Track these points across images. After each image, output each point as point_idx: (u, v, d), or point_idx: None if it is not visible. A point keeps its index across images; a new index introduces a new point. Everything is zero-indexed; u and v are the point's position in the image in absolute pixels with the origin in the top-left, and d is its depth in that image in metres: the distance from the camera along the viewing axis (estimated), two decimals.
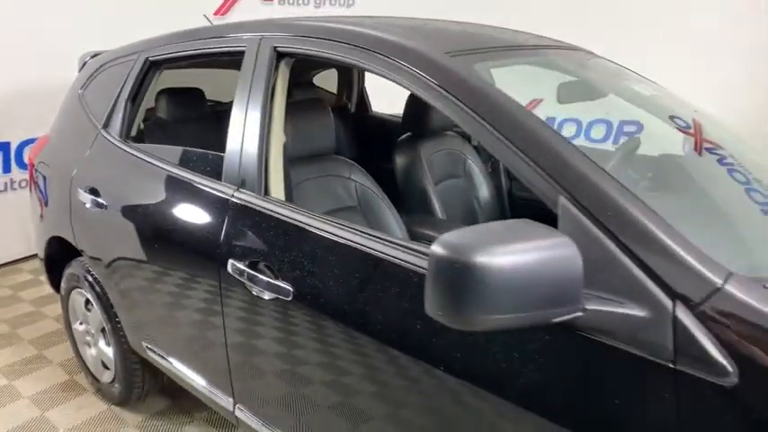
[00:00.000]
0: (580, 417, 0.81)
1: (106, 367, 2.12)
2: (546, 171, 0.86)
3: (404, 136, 2.12)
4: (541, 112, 1.04)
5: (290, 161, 1.52)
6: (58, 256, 2.17)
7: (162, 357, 1.74)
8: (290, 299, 1.18)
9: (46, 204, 2.15)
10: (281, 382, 1.31)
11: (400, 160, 2.05)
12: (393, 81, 1.09)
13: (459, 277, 0.70)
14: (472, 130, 0.96)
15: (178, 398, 2.15)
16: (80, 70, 2.22)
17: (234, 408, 1.48)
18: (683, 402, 0.71)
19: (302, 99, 1.80)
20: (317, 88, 3.06)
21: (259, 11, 4.67)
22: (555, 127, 0.94)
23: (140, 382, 2.01)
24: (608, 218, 0.80)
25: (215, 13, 4.55)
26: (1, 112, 3.34)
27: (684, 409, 0.71)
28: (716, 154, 1.27)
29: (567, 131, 4.03)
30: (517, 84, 1.07)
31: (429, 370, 0.97)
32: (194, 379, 1.61)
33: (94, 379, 2.21)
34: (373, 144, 2.61)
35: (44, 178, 2.15)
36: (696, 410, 0.71)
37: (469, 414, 0.94)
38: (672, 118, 1.43)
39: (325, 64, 2.68)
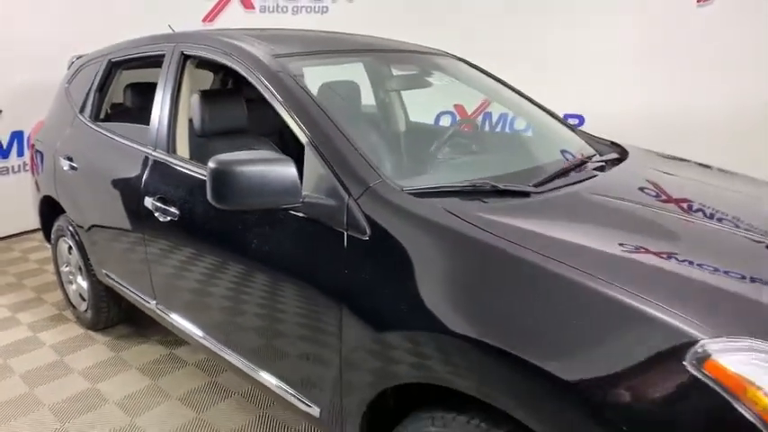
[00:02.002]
0: (304, 266, 1.37)
1: (83, 299, 2.74)
2: (301, 123, 1.43)
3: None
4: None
5: (210, 135, 2.09)
6: (49, 213, 2.81)
7: (114, 280, 2.35)
8: (177, 219, 1.77)
9: (40, 172, 2.79)
10: (179, 282, 1.90)
11: None
12: (241, 75, 1.67)
13: (223, 178, 1.28)
14: (273, 103, 1.53)
15: (138, 326, 2.76)
16: (68, 69, 2.86)
17: (155, 306, 2.08)
18: (348, 248, 1.27)
19: (218, 89, 2.38)
20: None
21: (242, 18, 5.29)
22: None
23: (106, 307, 2.62)
24: (325, 152, 1.36)
25: (203, 20, 5.19)
26: (17, 107, 4.03)
27: (348, 251, 1.27)
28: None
29: None
30: (317, 76, 1.64)
31: (238, 252, 1.56)
32: (132, 289, 2.22)
33: (75, 309, 2.84)
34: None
35: (39, 152, 2.80)
36: (351, 252, 1.26)
37: (264, 282, 1.51)
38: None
39: None
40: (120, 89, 2.65)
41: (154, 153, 1.95)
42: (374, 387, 1.24)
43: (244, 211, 1.52)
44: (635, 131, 4.60)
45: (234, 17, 5.27)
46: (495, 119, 3.31)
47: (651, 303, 0.91)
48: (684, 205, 1.39)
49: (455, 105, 4.02)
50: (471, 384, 1.06)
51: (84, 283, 2.66)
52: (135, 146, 2.06)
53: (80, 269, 2.66)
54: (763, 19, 3.77)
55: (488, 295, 1.07)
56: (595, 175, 1.56)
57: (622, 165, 1.73)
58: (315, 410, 1.46)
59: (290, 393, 1.53)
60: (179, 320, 1.98)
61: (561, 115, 5.30)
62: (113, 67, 2.44)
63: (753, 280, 1.02)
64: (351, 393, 1.32)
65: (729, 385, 0.82)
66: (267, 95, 1.56)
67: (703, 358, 0.84)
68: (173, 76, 1.97)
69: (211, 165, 1.29)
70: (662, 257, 1.07)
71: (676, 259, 1.07)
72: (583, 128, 5.20)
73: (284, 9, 5.44)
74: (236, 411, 2.13)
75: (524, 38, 5.04)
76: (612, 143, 2.14)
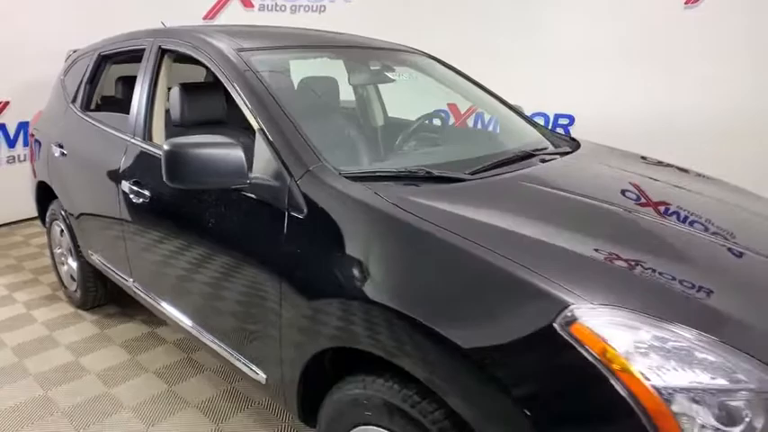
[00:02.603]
0: (252, 243, 1.49)
1: (73, 279, 2.89)
2: (253, 110, 1.55)
3: None
4: None
5: (189, 126, 2.22)
6: (44, 198, 2.96)
7: (99, 260, 2.49)
8: (148, 201, 1.90)
9: (37, 159, 2.95)
10: (149, 260, 2.03)
11: None
12: (208, 68, 1.79)
13: (175, 160, 1.39)
14: (233, 93, 1.65)
15: (124, 307, 2.90)
16: (65, 62, 3.01)
17: (132, 284, 2.21)
18: (288, 226, 1.38)
19: (198, 82, 2.50)
20: None
21: (241, 16, 5.43)
22: None
23: (93, 287, 2.77)
24: (273, 137, 1.48)
25: (204, 17, 5.34)
26: (24, 98, 4.21)
27: (288, 228, 1.38)
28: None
29: None
30: (270, 68, 1.76)
31: (198, 231, 1.69)
32: (113, 269, 2.36)
33: (66, 289, 2.99)
34: None
35: (36, 140, 2.95)
36: (290, 229, 1.38)
37: (218, 258, 1.63)
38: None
39: None
40: (110, 81, 2.79)
41: (132, 140, 2.08)
42: (307, 352, 1.35)
43: (203, 193, 1.64)
44: (623, 130, 4.68)
45: (234, 15, 5.41)
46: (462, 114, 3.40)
47: (535, 274, 1.01)
48: (600, 191, 1.48)
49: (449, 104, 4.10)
50: (385, 348, 1.17)
51: (74, 264, 2.81)
52: (116, 134, 2.19)
53: (70, 251, 2.81)
54: (750, 20, 3.81)
55: (402, 268, 1.18)
56: (533, 165, 1.66)
57: (565, 157, 1.82)
58: (261, 377, 1.58)
59: (241, 362, 1.65)
60: (151, 296, 2.11)
61: (552, 115, 5.37)
62: (103, 61, 2.58)
63: (631, 256, 1.12)
64: (288, 359, 1.43)
65: (591, 346, 0.92)
66: (228, 86, 1.68)
67: (570, 321, 0.94)
68: (151, 69, 2.10)
69: (165, 147, 1.41)
70: (559, 236, 1.16)
71: (571, 238, 1.16)
72: (572, 127, 5.28)
73: (283, 8, 5.56)
74: (206, 385, 2.26)
75: (518, 39, 5.12)
76: (571, 138, 2.23)
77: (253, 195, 1.49)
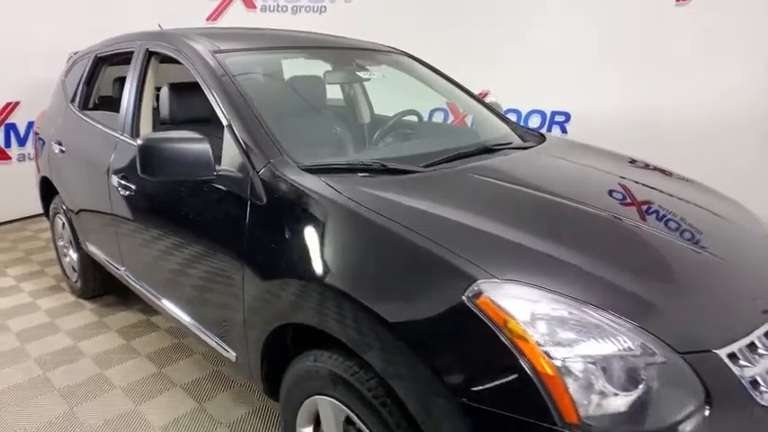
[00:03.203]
0: (220, 230, 1.61)
1: (74, 270, 3.06)
2: (222, 108, 1.67)
3: None
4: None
5: (177, 123, 2.35)
6: (47, 193, 3.13)
7: (95, 250, 2.64)
8: (133, 194, 2.04)
9: (40, 155, 3.12)
10: (136, 248, 2.17)
11: None
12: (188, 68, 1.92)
13: (148, 153, 1.52)
14: (206, 91, 1.77)
15: (123, 297, 3.05)
16: (66, 63, 3.17)
17: (124, 273, 2.36)
18: (250, 213, 1.50)
19: (186, 82, 2.63)
20: None
21: (244, 17, 5.57)
22: None
23: (92, 277, 2.93)
24: (239, 132, 1.60)
25: (207, 19, 5.50)
26: (33, 99, 4.39)
27: (249, 216, 1.50)
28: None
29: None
30: (246, 68, 1.88)
31: (175, 220, 1.82)
32: (106, 258, 2.51)
33: (68, 279, 3.16)
34: None
35: (39, 138, 3.12)
36: (252, 217, 1.49)
37: (192, 245, 1.75)
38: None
39: None
40: (107, 81, 2.94)
41: (121, 137, 2.22)
42: (266, 330, 1.47)
43: (180, 186, 1.77)
44: (617, 125, 4.73)
45: (236, 16, 5.55)
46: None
47: (452, 254, 1.12)
48: (541, 182, 1.58)
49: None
50: (328, 324, 1.28)
51: (74, 256, 2.98)
52: (108, 131, 2.34)
53: (71, 243, 2.97)
54: (741, 17, 3.84)
55: (343, 250, 1.30)
56: (487, 159, 1.76)
57: (523, 151, 1.92)
58: (232, 356, 1.71)
59: (214, 341, 1.78)
60: (141, 283, 2.25)
61: (549, 112, 5.41)
62: (99, 62, 2.74)
63: (548, 240, 1.21)
64: (251, 337, 1.55)
65: (495, 318, 1.02)
66: (202, 85, 1.81)
67: (477, 294, 1.04)
68: (139, 70, 2.24)
69: (139, 142, 1.54)
70: (486, 222, 1.26)
71: (497, 223, 1.26)
72: (569, 124, 5.31)
73: (284, 8, 5.70)
74: (194, 368, 2.40)
75: (517, 39, 5.19)
76: (540, 134, 2.31)
77: (221, 187, 1.62)
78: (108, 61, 2.75)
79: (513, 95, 5.53)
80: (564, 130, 5.27)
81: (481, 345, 1.03)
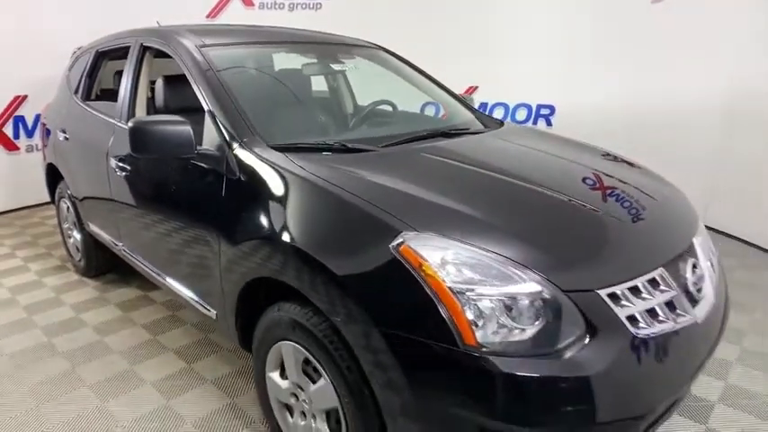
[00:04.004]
0: (200, 202, 1.84)
1: (78, 250, 3.30)
2: (204, 95, 1.90)
3: None
4: None
5: (171, 110, 2.56)
6: (53, 178, 3.38)
7: (95, 230, 2.88)
8: (130, 174, 2.27)
9: (46, 144, 3.36)
10: (130, 223, 2.40)
11: None
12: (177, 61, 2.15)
13: (137, 134, 1.75)
14: (191, 81, 2.00)
15: (124, 275, 3.29)
16: (71, 58, 3.41)
17: (122, 248, 2.60)
18: (225, 187, 1.72)
19: (179, 74, 2.85)
20: None
21: (242, 14, 5.79)
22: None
23: (94, 256, 3.17)
24: (217, 116, 1.82)
25: (207, 16, 5.73)
26: (41, 93, 4.63)
27: (225, 188, 1.72)
28: None
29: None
30: (229, 60, 2.11)
31: (164, 195, 2.04)
32: (108, 237, 2.75)
33: (72, 258, 3.41)
34: None
35: (46, 128, 3.37)
36: (227, 189, 1.72)
37: (177, 217, 1.98)
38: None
39: None
40: (108, 74, 3.17)
41: (118, 124, 2.45)
42: (237, 286, 1.70)
43: (168, 164, 2.00)
44: (597, 118, 4.92)
45: (235, 13, 5.78)
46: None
47: (385, 213, 1.34)
48: (479, 158, 1.79)
49: None
50: (289, 277, 1.50)
51: (78, 237, 3.22)
52: (107, 119, 2.58)
53: (75, 225, 3.22)
54: (715, 16, 4.01)
55: (299, 213, 1.52)
56: (441, 140, 1.98)
57: (477, 135, 2.14)
58: (212, 313, 1.94)
59: (197, 302, 2.01)
60: (136, 257, 2.49)
61: (534, 105, 5.60)
62: (100, 57, 2.97)
63: (469, 203, 1.43)
64: (227, 294, 1.78)
65: (413, 262, 1.24)
66: (188, 75, 2.03)
67: (400, 244, 1.26)
68: (134, 63, 2.47)
69: (130, 124, 1.77)
70: (421, 189, 1.48)
71: (431, 191, 1.48)
72: (554, 117, 5.50)
73: (281, 6, 5.92)
74: (185, 335, 2.63)
75: (505, 36, 5.39)
76: (500, 122, 2.52)
77: (202, 164, 1.84)
78: (108, 56, 2.99)
79: (501, 90, 5.74)
80: (549, 123, 5.47)
81: (402, 285, 1.25)
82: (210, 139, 1.83)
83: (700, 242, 1.66)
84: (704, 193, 4.23)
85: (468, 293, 1.19)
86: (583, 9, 4.91)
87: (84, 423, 2.00)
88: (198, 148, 1.80)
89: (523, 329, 1.19)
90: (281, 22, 5.20)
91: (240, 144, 1.74)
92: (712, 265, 1.69)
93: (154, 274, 2.33)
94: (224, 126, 1.80)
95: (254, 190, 1.65)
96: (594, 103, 4.99)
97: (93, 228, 2.91)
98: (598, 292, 1.25)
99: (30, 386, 2.23)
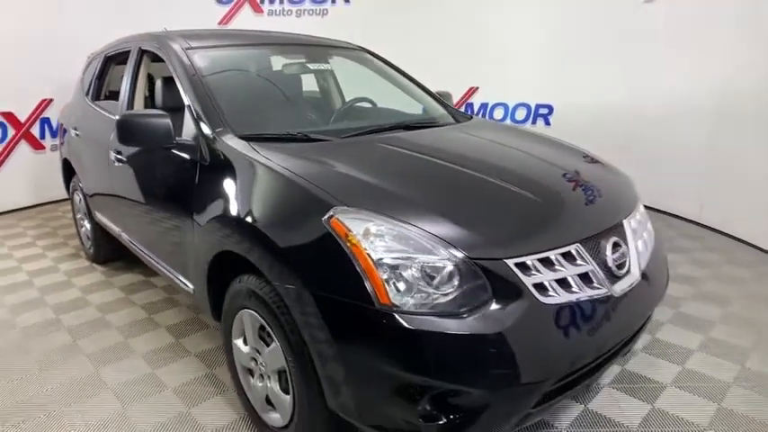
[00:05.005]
0: (179, 187, 2.04)
1: (88, 239, 3.57)
2: (185, 91, 2.10)
3: None
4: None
5: (168, 108, 2.79)
6: (68, 173, 3.67)
7: (101, 218, 3.14)
8: (125, 164, 2.50)
9: (63, 141, 3.66)
10: (126, 209, 2.63)
11: None
12: (166, 61, 2.37)
13: (126, 127, 1.96)
14: (176, 80, 2.21)
15: (129, 263, 3.55)
16: (85, 63, 3.70)
17: (120, 233, 2.84)
18: (199, 173, 1.92)
19: None
20: None
21: (252, 21, 6.06)
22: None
23: (102, 243, 3.43)
24: (195, 109, 2.03)
25: (218, 23, 6.01)
26: (65, 96, 4.98)
27: (198, 174, 1.93)
28: None
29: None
30: (210, 61, 2.32)
31: (151, 182, 2.26)
32: (110, 224, 2.99)
33: (84, 247, 3.69)
34: None
35: (63, 127, 3.66)
36: (200, 175, 1.92)
37: (161, 201, 2.19)
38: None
39: None
40: (116, 77, 3.43)
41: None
42: (206, 260, 1.89)
43: (155, 154, 2.22)
44: (593, 116, 4.99)
45: (245, 20, 6.05)
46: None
47: (321, 191, 1.51)
48: (431, 148, 1.95)
49: None
50: (243, 247, 1.68)
51: (88, 226, 3.49)
52: (110, 116, 2.82)
53: (86, 215, 3.49)
54: (706, 15, 4.06)
55: (254, 193, 1.70)
56: (402, 132, 2.14)
57: (439, 128, 2.29)
58: (190, 288, 2.14)
59: (179, 279, 2.21)
60: (131, 239, 2.72)
61: (533, 105, 5.69)
62: (108, 60, 3.24)
63: (402, 182, 1.59)
64: (199, 267, 1.97)
65: (340, 233, 1.40)
66: (173, 74, 2.25)
67: (331, 217, 1.43)
68: (134, 65, 2.71)
69: (117, 117, 1.99)
70: (363, 172, 1.65)
71: (371, 174, 1.64)
72: (552, 116, 5.57)
73: (289, 12, 6.16)
74: (178, 315, 2.85)
75: (500, 39, 5.52)
76: (469, 116, 2.66)
77: (181, 153, 2.05)
78: (115, 60, 3.25)
79: (501, 91, 5.86)
80: (547, 122, 5.56)
81: (331, 253, 1.41)
82: (188, 130, 2.03)
83: (632, 224, 1.78)
84: (699, 190, 4.26)
85: (385, 260, 1.35)
86: (578, 10, 5.00)
87: (78, 386, 2.22)
88: (177, 139, 2.01)
89: (433, 292, 1.33)
90: (288, 27, 5.46)
91: (212, 133, 1.94)
92: (647, 246, 1.80)
93: (146, 256, 2.55)
94: (200, 118, 2.00)
95: (219, 173, 1.84)
96: (591, 103, 5.06)
97: (99, 216, 3.17)
98: (506, 261, 1.39)
99: (35, 355, 2.47)
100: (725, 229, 4.09)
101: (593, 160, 2.12)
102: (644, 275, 1.69)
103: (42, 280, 3.36)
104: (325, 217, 1.43)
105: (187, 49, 2.34)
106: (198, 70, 2.21)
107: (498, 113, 5.90)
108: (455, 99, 6.13)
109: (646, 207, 2.03)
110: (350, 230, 1.39)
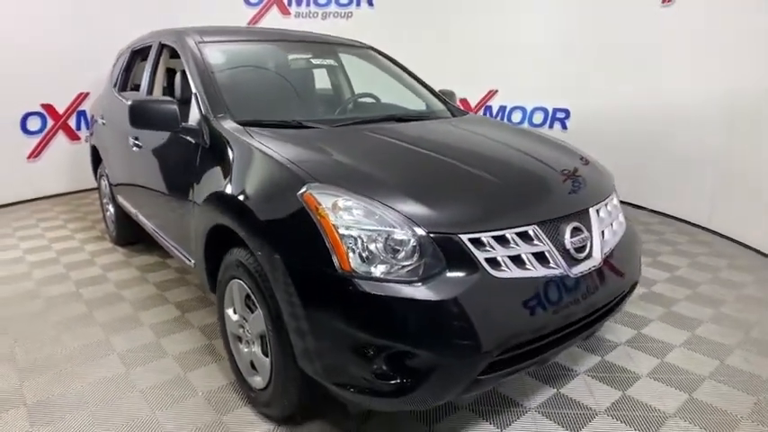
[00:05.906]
0: (184, 168, 2.22)
1: (112, 221, 3.83)
2: (193, 80, 2.29)
3: None
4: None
5: (186, 99, 3.01)
6: (96, 159, 3.94)
7: (122, 201, 3.38)
8: (142, 149, 2.71)
9: (92, 130, 3.93)
10: (142, 190, 2.84)
11: None
12: (180, 54, 2.57)
13: (137, 111, 2.16)
14: (187, 71, 2.40)
15: (149, 245, 3.78)
16: (116, 57, 3.97)
17: (138, 215, 3.06)
18: (200, 154, 2.10)
19: None
20: None
21: (279, 22, 6.30)
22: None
23: (124, 226, 3.67)
24: (200, 97, 2.21)
25: (248, 23, 6.27)
26: (99, 90, 5.31)
27: (199, 156, 2.10)
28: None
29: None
30: (220, 53, 2.50)
31: (163, 164, 2.45)
32: (128, 206, 3.22)
33: (108, 229, 3.96)
34: None
35: (92, 117, 3.94)
36: (201, 156, 2.09)
37: (171, 181, 2.38)
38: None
39: None
40: (140, 69, 3.68)
41: None
42: (204, 232, 2.05)
43: (164, 139, 2.41)
44: (609, 119, 5.01)
45: (273, 22, 6.29)
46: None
47: (300, 169, 1.66)
48: (416, 138, 2.08)
49: None
50: (234, 223, 1.84)
51: (112, 210, 3.74)
52: None
53: (110, 199, 3.74)
54: (723, 17, 4.04)
55: (245, 172, 1.86)
56: (393, 124, 2.28)
57: (431, 121, 2.42)
58: (191, 263, 2.32)
59: (182, 254, 2.39)
60: (146, 219, 2.94)
61: (551, 109, 5.73)
62: (134, 54, 3.48)
63: (377, 165, 1.72)
64: (197, 241, 2.14)
65: (311, 206, 1.54)
66: (185, 65, 2.44)
67: (304, 192, 1.57)
68: (154, 59, 2.93)
69: (128, 103, 2.19)
70: (340, 154, 1.79)
71: (346, 155, 1.78)
72: (569, 120, 5.60)
73: (315, 15, 6.38)
74: (187, 292, 3.05)
75: (519, 44, 5.58)
76: (464, 111, 2.77)
77: (187, 137, 2.24)
78: (141, 54, 3.49)
79: (520, 94, 5.91)
80: (564, 126, 5.58)
81: (303, 224, 1.55)
82: (194, 115, 2.22)
83: (601, 213, 1.86)
84: (712, 196, 4.23)
85: (349, 231, 1.48)
86: (596, 14, 5.03)
87: (89, 350, 2.42)
88: (183, 123, 2.19)
89: (395, 263, 1.46)
90: (314, 29, 5.65)
91: (214, 118, 2.11)
92: (614, 235, 1.88)
93: (156, 233, 2.76)
94: (204, 103, 2.18)
95: (217, 154, 2.01)
96: (607, 107, 5.07)
97: (121, 199, 3.41)
98: (460, 236, 1.50)
99: (54, 322, 2.70)
100: (733, 235, 4.05)
101: (572, 153, 2.20)
102: (607, 262, 1.76)
103: (68, 258, 3.62)
104: (300, 192, 1.58)
105: (199, 42, 2.54)
106: (207, 61, 2.39)
107: (516, 117, 5.96)
108: (474, 101, 6.23)
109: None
110: (320, 204, 1.53)
